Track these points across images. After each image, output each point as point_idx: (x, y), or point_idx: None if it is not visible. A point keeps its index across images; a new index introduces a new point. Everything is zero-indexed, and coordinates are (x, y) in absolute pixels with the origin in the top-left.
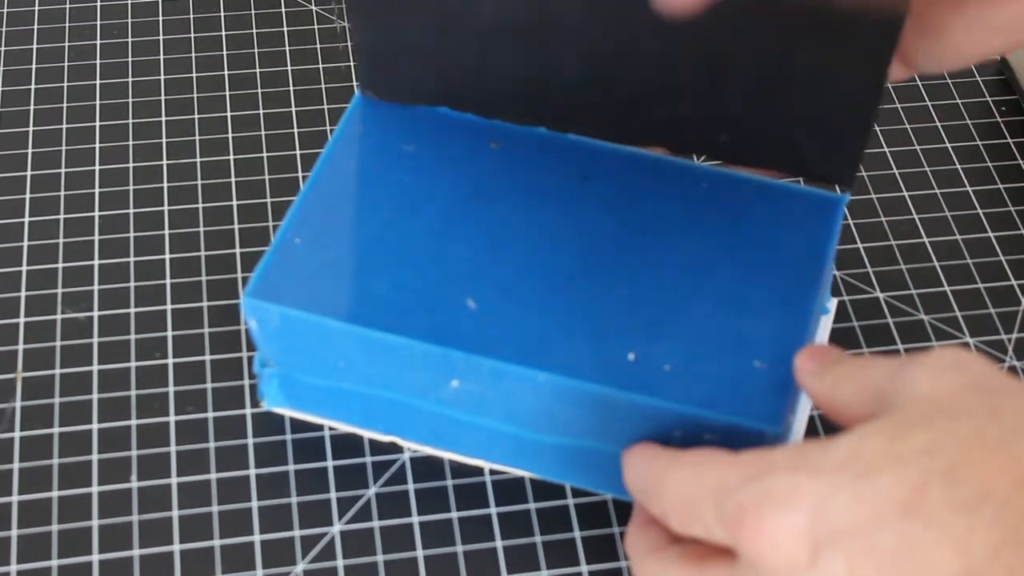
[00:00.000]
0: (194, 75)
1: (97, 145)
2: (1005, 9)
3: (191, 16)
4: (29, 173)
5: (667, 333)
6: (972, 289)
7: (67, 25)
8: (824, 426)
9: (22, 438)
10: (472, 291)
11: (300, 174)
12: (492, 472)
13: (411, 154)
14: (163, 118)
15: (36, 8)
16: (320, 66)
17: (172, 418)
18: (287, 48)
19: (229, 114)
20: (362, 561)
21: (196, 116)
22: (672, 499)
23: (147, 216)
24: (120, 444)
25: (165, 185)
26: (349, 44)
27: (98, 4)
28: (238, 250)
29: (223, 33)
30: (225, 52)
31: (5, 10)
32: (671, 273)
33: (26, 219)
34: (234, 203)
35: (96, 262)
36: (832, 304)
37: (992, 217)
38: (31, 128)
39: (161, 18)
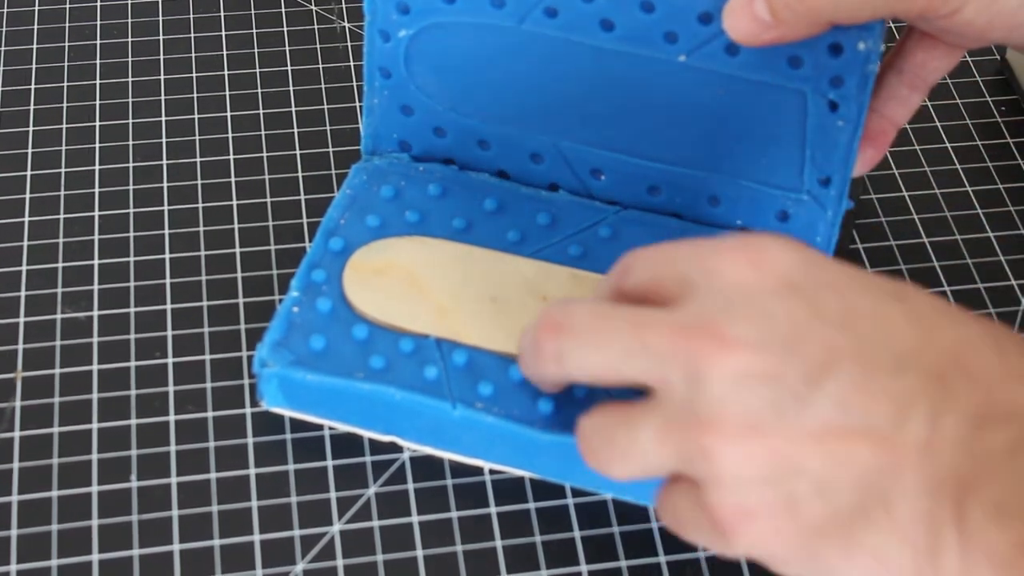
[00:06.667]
0: (194, 75)
1: (97, 145)
2: None
3: (191, 16)
4: (29, 173)
5: None
6: (972, 289)
7: (67, 25)
8: None
9: (22, 438)
10: None
11: (300, 174)
12: (492, 472)
13: None
14: (163, 118)
15: (36, 8)
16: (320, 66)
17: (172, 417)
18: (287, 48)
19: (229, 114)
20: (362, 561)
21: (196, 116)
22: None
23: (147, 216)
24: (120, 444)
25: (165, 185)
26: (349, 44)
27: (98, 4)
28: (238, 250)
29: (223, 33)
30: (225, 52)
31: (5, 10)
32: None
33: (26, 219)
34: (234, 203)
35: (96, 262)
36: None
37: (992, 217)
38: (31, 128)
39: (161, 18)
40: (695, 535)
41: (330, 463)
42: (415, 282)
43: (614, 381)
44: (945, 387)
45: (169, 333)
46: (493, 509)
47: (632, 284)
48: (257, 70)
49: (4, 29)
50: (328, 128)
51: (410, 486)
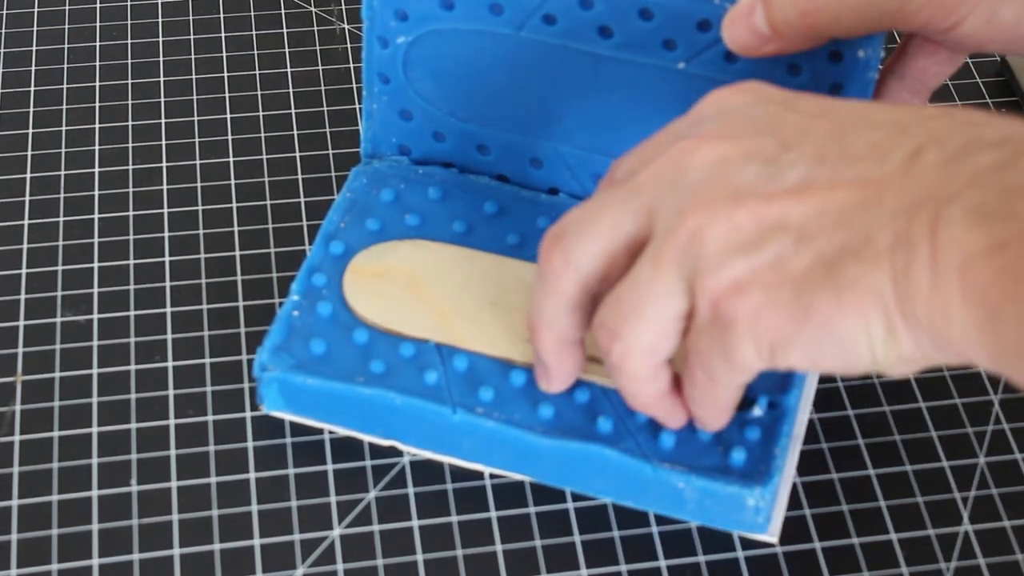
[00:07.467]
0: (194, 77)
1: (96, 147)
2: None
3: (191, 18)
4: (28, 175)
5: None
6: None
7: (66, 27)
8: (823, 430)
9: (22, 441)
10: None
11: (300, 176)
12: (492, 476)
13: None
14: (163, 120)
15: (35, 9)
16: (320, 68)
17: (172, 421)
18: (287, 50)
19: (229, 116)
20: (362, 565)
21: (196, 118)
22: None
23: (147, 218)
24: (120, 448)
25: (164, 187)
26: (349, 46)
27: (97, 5)
28: (237, 252)
29: (223, 35)
30: (225, 54)
31: (5, 11)
32: None
33: (25, 221)
34: (234, 205)
35: (96, 265)
36: None
37: None
38: (30, 130)
39: (160, 20)
40: (713, 362)
41: (330, 467)
42: (415, 286)
43: (620, 249)
44: (928, 129)
45: (169, 336)
46: (493, 513)
47: (623, 169)
48: (257, 72)
49: (4, 31)
50: (328, 130)
51: (410, 490)
